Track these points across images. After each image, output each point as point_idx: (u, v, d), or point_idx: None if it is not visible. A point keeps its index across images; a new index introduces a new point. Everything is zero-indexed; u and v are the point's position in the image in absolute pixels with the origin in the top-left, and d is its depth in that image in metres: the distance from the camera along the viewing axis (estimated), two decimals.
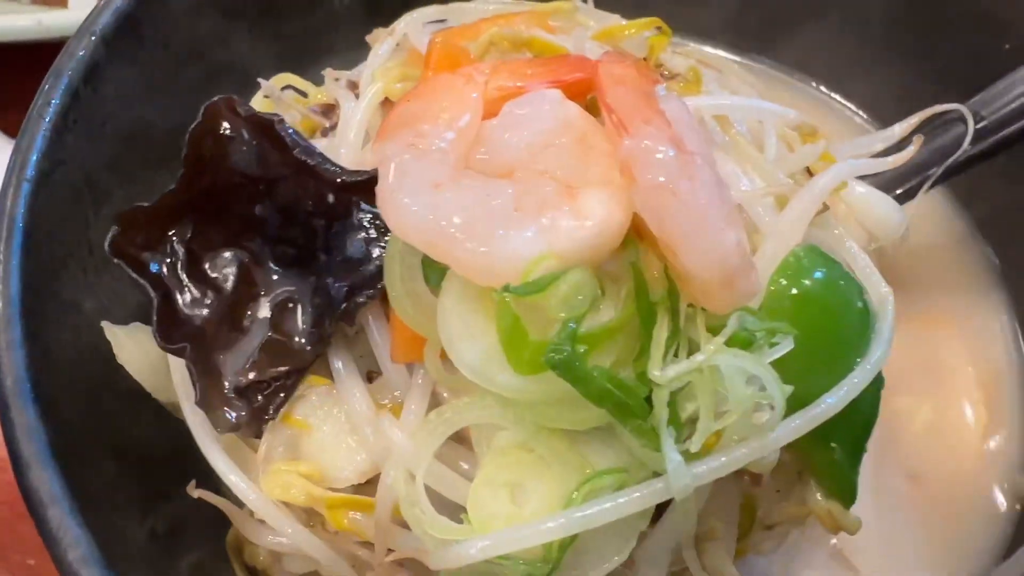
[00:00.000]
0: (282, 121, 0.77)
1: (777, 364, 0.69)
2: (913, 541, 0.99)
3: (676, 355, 0.69)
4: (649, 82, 0.74)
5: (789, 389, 0.68)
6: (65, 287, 0.86)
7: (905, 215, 0.98)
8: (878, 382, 0.77)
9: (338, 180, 0.77)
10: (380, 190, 0.70)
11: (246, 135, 0.77)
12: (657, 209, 0.66)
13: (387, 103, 0.85)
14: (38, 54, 1.10)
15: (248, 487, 0.79)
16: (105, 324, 0.85)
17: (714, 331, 0.69)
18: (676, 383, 0.67)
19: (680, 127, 0.71)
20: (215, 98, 0.77)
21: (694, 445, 0.67)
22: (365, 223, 0.77)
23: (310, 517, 0.80)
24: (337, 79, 0.90)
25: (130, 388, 0.87)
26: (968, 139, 0.95)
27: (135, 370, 0.84)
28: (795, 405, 0.71)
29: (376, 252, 0.77)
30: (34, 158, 0.84)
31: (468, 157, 0.72)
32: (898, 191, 1.02)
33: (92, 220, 0.89)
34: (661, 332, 0.68)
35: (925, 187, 0.97)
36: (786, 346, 0.70)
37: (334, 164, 0.78)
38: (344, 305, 0.77)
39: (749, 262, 0.69)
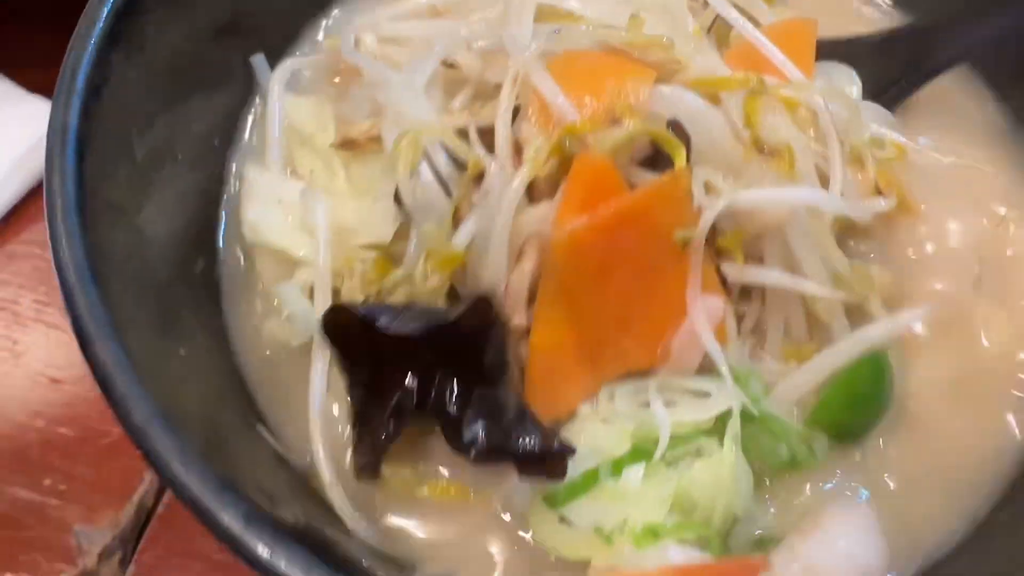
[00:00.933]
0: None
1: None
2: None
3: None
4: None
5: None
6: (112, 192, 0.95)
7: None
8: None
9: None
10: None
11: None
12: None
13: None
14: (56, 13, 1.12)
15: None
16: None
17: None
18: None
19: None
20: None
21: None
22: None
23: None
24: None
25: (171, 280, 1.00)
26: None
27: None
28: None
29: None
30: (81, 75, 0.93)
31: None
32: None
33: (135, 136, 0.99)
34: None
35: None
36: None
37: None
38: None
39: None
